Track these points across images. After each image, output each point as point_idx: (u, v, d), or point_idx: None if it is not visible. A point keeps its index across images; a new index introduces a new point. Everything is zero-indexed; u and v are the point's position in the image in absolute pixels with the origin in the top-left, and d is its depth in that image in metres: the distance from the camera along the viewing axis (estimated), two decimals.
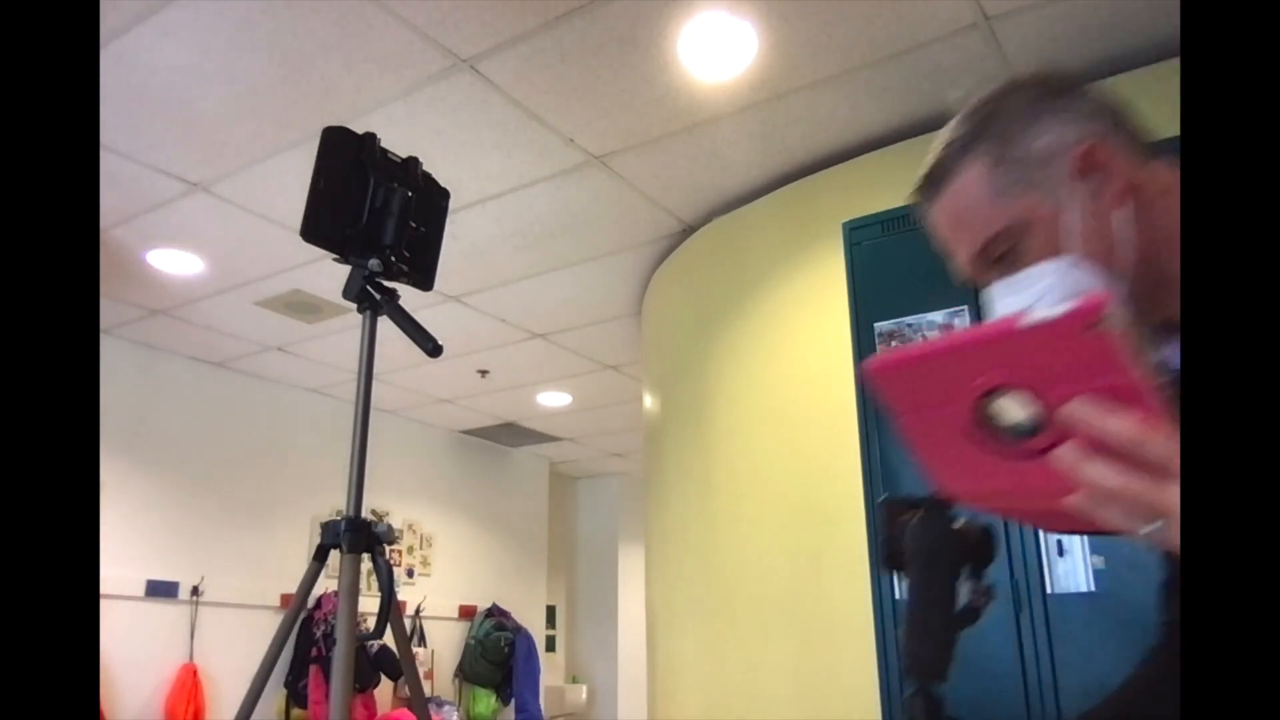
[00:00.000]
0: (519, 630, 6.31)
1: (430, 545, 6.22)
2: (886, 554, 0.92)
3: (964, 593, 0.88)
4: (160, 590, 4.63)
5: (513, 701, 6.18)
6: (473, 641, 6.19)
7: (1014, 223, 0.84)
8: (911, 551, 0.89)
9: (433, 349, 1.61)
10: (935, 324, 2.33)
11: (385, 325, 1.69)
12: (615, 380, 5.42)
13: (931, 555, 0.88)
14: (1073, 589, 2.02)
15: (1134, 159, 0.85)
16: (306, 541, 5.31)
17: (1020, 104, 0.87)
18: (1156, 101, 2.40)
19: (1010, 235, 0.85)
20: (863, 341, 2.40)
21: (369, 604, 1.56)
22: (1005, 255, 0.85)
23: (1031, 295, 0.82)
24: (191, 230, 3.57)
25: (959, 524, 0.90)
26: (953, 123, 0.91)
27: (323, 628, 5.00)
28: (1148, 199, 0.83)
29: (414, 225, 1.73)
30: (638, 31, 2.47)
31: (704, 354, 3.37)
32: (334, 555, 1.61)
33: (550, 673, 7.13)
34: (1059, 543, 2.05)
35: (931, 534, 0.88)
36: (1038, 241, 0.83)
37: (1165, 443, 0.52)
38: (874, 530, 0.96)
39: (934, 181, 0.90)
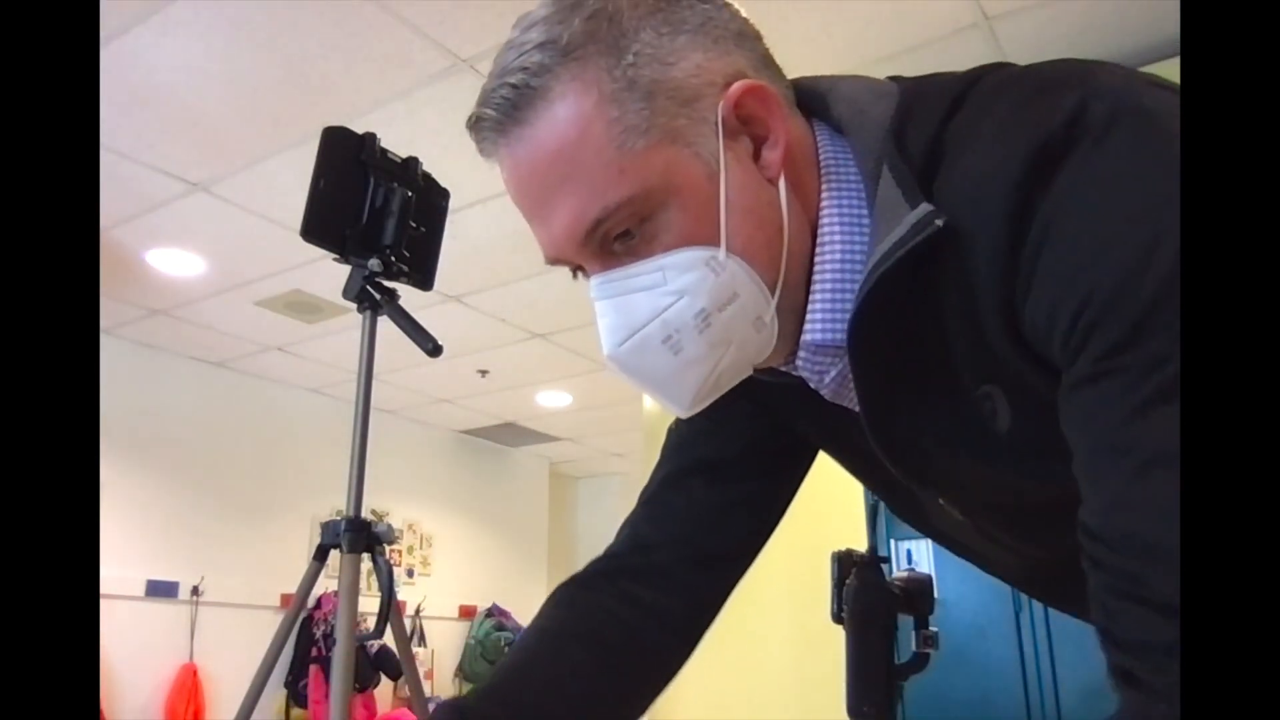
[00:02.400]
0: (519, 630, 6.31)
1: (430, 545, 6.22)
2: (835, 609, 0.96)
3: (911, 642, 0.94)
4: (160, 590, 4.63)
5: None
6: (473, 641, 6.18)
7: (646, 189, 0.56)
8: (850, 610, 0.94)
9: (433, 349, 1.61)
10: None
11: (385, 325, 1.69)
12: (615, 380, 5.39)
13: (866, 614, 0.93)
14: None
15: (786, 108, 0.61)
16: (306, 541, 5.31)
17: (640, 4, 0.57)
18: None
19: (638, 208, 0.56)
20: None
21: (369, 604, 1.57)
22: (625, 234, 0.57)
23: (659, 304, 0.57)
24: (191, 230, 3.56)
25: (896, 579, 0.95)
26: (538, 15, 0.58)
27: (323, 628, 5.00)
28: (797, 170, 0.61)
29: (414, 225, 1.73)
30: None
31: None
32: (334, 555, 1.61)
33: None
34: None
35: (864, 595, 0.93)
36: (678, 218, 0.57)
37: None
38: (831, 579, 0.97)
39: (514, 105, 0.57)
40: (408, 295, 1.73)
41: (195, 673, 4.61)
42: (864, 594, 0.95)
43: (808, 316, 0.61)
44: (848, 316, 0.58)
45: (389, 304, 1.67)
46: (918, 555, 2.21)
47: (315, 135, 1.71)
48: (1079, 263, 0.49)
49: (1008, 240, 0.51)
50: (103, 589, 4.27)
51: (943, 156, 0.56)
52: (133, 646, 4.41)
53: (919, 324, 0.58)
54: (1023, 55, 2.57)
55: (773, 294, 0.59)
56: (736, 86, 0.58)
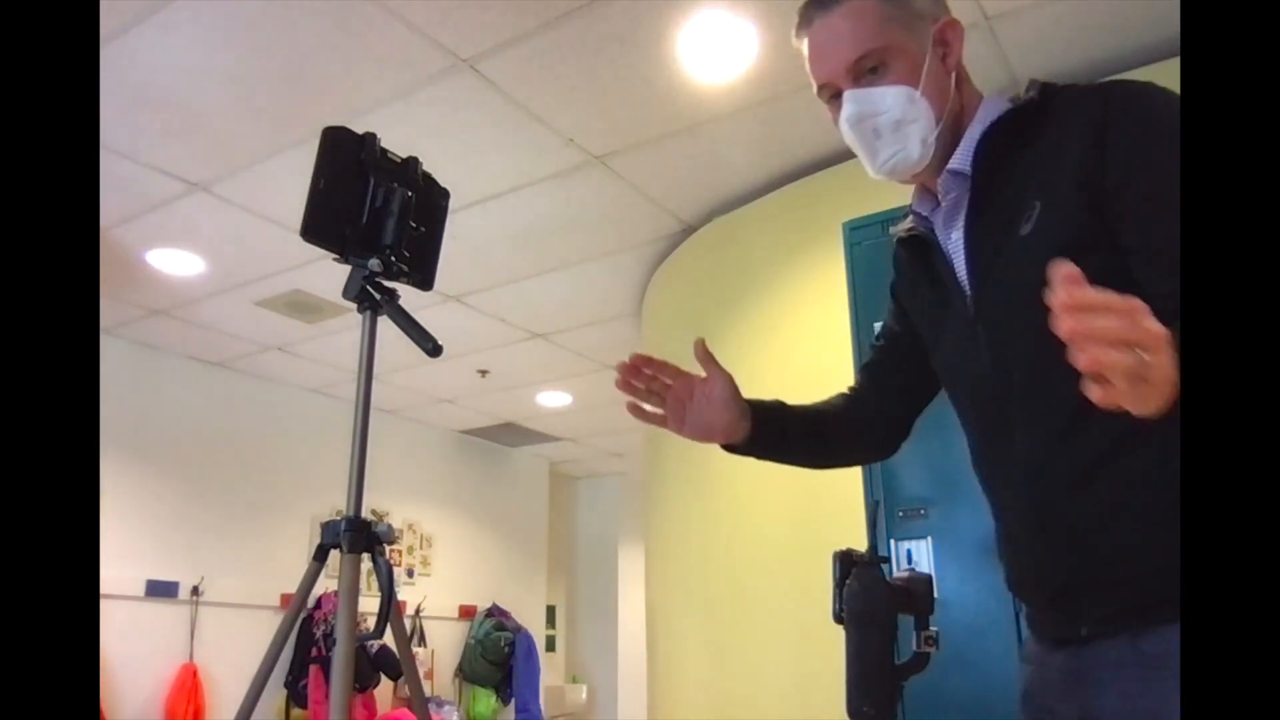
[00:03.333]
0: (519, 630, 6.30)
1: (430, 545, 6.21)
2: (835, 609, 0.96)
3: (912, 642, 0.93)
4: (160, 590, 4.63)
5: (513, 701, 6.17)
6: (473, 641, 6.18)
7: (888, 45, 1.07)
8: (850, 610, 0.93)
9: (433, 349, 1.61)
10: None
11: (385, 325, 1.69)
12: (615, 380, 5.41)
13: (865, 616, 0.93)
14: None
15: (961, 45, 1.12)
16: (306, 541, 5.31)
17: None
18: None
19: (882, 55, 1.07)
20: (862, 342, 2.40)
21: (369, 604, 1.57)
22: (872, 70, 1.07)
23: (880, 107, 1.07)
24: (191, 230, 3.56)
25: (897, 579, 0.94)
26: None
27: (323, 628, 5.00)
28: (960, 79, 1.11)
29: (414, 225, 1.73)
30: (638, 31, 2.47)
31: None
32: (334, 555, 1.61)
33: (550, 673, 7.13)
34: None
35: (864, 595, 0.93)
36: (899, 69, 1.07)
37: None
38: (833, 579, 0.99)
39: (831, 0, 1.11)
40: (408, 295, 1.73)
41: (195, 673, 4.61)
42: (864, 594, 0.95)
43: (955, 154, 1.09)
44: (969, 159, 1.08)
45: (389, 304, 1.67)
46: (918, 555, 2.21)
47: (315, 135, 1.71)
48: (1139, 174, 0.91)
49: (1093, 127, 0.96)
50: (103, 589, 4.27)
51: (1060, 91, 1.05)
52: (133, 646, 4.41)
53: (1015, 163, 1.04)
54: (1023, 55, 2.57)
55: (935, 127, 1.08)
56: (943, 20, 1.10)
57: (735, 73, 2.64)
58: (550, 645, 7.34)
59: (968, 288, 1.08)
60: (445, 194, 1.86)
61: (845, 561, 0.98)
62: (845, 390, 1.36)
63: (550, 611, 7.41)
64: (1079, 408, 0.79)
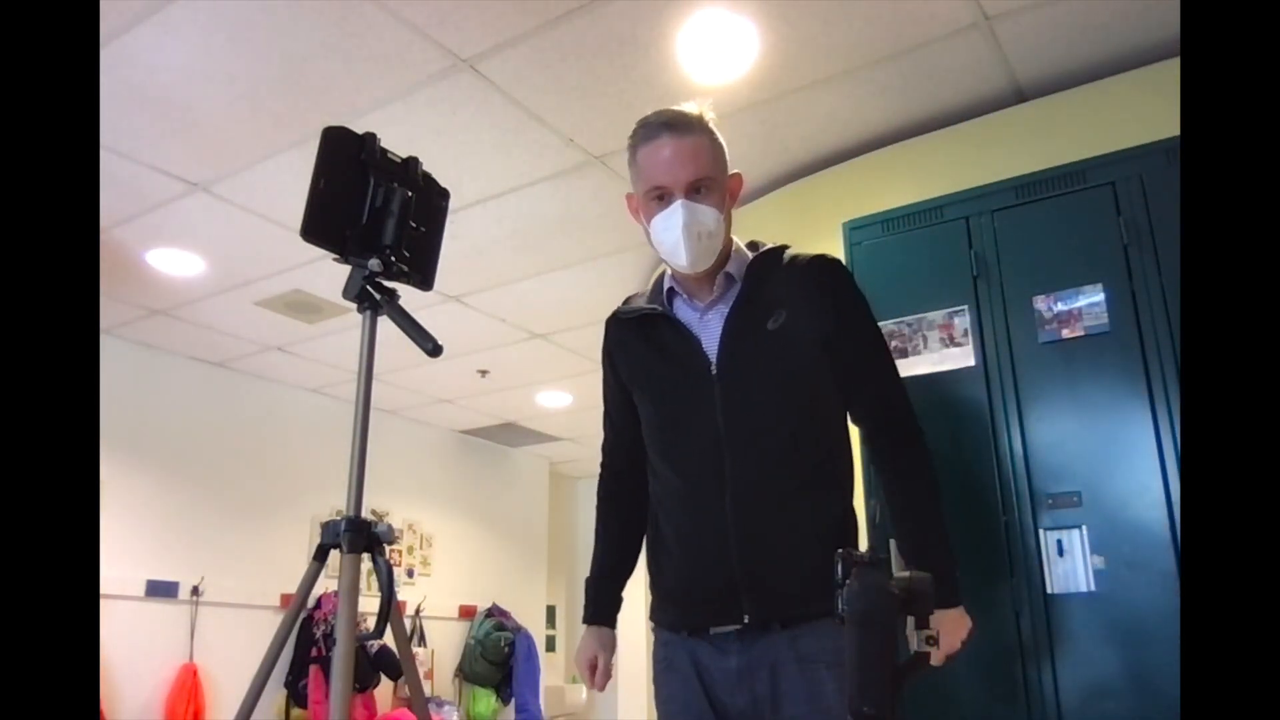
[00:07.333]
0: (519, 630, 6.30)
1: (430, 545, 6.21)
2: (838, 608, 0.96)
3: (912, 641, 0.93)
4: (160, 590, 4.62)
5: (513, 701, 6.17)
6: (473, 641, 6.18)
7: (714, 177, 1.45)
8: (850, 612, 0.93)
9: (433, 349, 1.61)
10: (935, 323, 2.33)
11: (385, 325, 1.69)
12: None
13: (866, 616, 0.93)
14: (1073, 589, 2.02)
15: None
16: (306, 541, 5.31)
17: (719, 141, 1.49)
18: (1156, 101, 2.40)
19: (709, 182, 1.45)
20: None
21: (369, 604, 1.57)
22: (699, 189, 1.43)
23: (703, 220, 1.43)
24: (191, 230, 3.56)
25: (898, 580, 0.94)
26: (695, 115, 1.46)
27: (323, 628, 4.99)
28: (730, 213, 1.52)
29: (414, 225, 1.73)
30: (638, 31, 2.47)
31: None
32: (334, 555, 1.61)
33: (550, 673, 7.12)
34: (1059, 543, 2.05)
35: (864, 595, 0.93)
36: (715, 196, 1.45)
37: None
38: (836, 578, 1.00)
39: (685, 126, 1.44)
40: (408, 295, 1.73)
41: (195, 673, 4.61)
42: (864, 594, 0.95)
43: (730, 263, 1.52)
44: (742, 271, 1.53)
45: (389, 304, 1.67)
46: None
47: (315, 135, 1.71)
48: (850, 314, 1.52)
49: (822, 286, 1.51)
50: (103, 589, 4.27)
51: (786, 249, 1.58)
52: (133, 646, 4.41)
53: (769, 282, 1.51)
54: (1023, 55, 2.57)
55: (722, 245, 1.49)
56: (735, 174, 1.54)
57: (735, 73, 2.64)
58: (550, 645, 7.34)
59: (713, 357, 1.46)
60: (445, 194, 1.86)
61: (846, 562, 0.98)
62: (607, 490, 1.68)
63: (550, 611, 7.40)
64: (781, 456, 1.38)
